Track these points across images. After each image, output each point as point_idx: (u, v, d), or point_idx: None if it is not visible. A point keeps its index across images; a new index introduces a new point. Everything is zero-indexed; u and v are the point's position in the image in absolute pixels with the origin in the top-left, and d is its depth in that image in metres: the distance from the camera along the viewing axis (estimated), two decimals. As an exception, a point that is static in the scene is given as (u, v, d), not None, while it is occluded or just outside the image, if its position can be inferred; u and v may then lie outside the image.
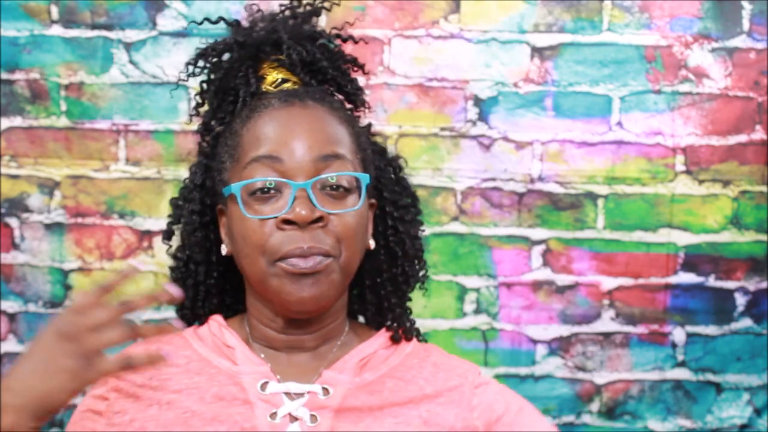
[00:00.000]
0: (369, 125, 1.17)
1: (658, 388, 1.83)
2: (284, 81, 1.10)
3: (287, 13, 1.14)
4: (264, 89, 1.10)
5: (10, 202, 1.84)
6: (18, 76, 1.82)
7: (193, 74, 1.15)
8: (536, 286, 1.82)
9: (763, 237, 1.80)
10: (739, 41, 1.77)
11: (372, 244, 1.09)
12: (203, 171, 1.12)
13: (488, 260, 1.81)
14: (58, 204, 1.83)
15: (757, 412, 1.83)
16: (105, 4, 1.80)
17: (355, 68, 1.17)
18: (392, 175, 1.16)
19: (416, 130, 1.78)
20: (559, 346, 1.83)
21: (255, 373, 1.03)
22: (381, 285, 1.13)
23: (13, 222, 1.85)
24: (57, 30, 1.81)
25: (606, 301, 1.82)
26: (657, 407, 1.83)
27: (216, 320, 1.10)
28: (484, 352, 1.82)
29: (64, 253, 1.84)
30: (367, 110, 1.17)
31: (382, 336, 1.11)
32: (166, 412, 1.01)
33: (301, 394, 1.01)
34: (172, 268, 1.17)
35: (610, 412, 1.83)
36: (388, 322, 1.12)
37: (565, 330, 1.82)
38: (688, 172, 1.79)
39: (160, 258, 1.83)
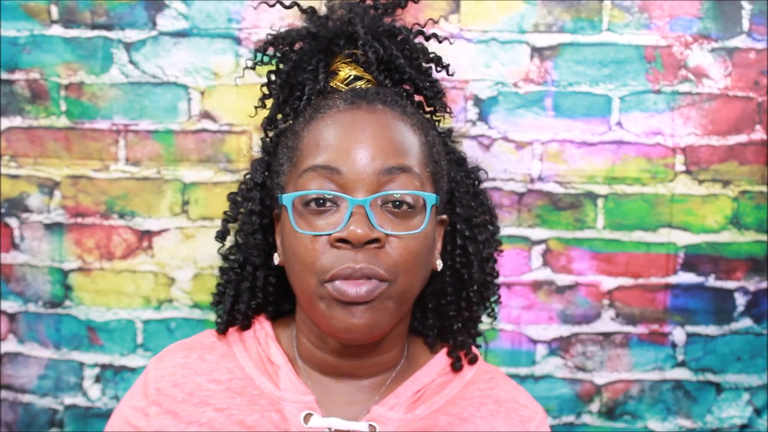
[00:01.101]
0: (449, 131, 1.07)
1: (658, 388, 1.83)
2: (357, 78, 1.02)
3: (367, 3, 1.04)
4: (334, 85, 1.01)
5: (10, 202, 1.84)
6: (18, 76, 1.82)
7: (261, 62, 1.05)
8: (536, 286, 1.82)
9: (763, 237, 1.80)
10: (739, 41, 1.77)
11: (439, 265, 1.00)
12: (265, 168, 1.04)
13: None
14: (57, 204, 1.84)
15: (757, 412, 1.83)
16: (105, 4, 1.80)
17: (438, 68, 1.08)
18: (469, 189, 1.06)
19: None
20: (559, 346, 1.83)
21: (299, 403, 0.95)
22: (444, 308, 1.04)
23: (12, 222, 1.85)
24: (57, 30, 1.81)
25: (606, 301, 1.82)
26: (657, 407, 1.83)
27: (264, 328, 1.02)
28: (484, 352, 1.81)
29: (64, 253, 1.84)
30: (448, 114, 1.07)
31: (441, 361, 1.03)
32: None
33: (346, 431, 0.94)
34: (224, 270, 1.07)
35: (610, 412, 1.83)
36: (450, 348, 1.03)
37: (565, 330, 1.82)
38: (687, 172, 1.79)
39: (159, 258, 1.83)
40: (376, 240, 0.90)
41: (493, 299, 1.09)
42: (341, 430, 0.94)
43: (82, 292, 1.85)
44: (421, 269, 0.95)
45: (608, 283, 1.81)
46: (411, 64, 1.04)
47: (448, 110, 1.07)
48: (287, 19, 1.77)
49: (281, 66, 1.04)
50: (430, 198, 0.93)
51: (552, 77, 1.78)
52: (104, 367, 1.85)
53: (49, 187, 1.84)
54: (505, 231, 1.81)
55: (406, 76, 1.03)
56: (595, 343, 1.83)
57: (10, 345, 1.87)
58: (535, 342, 1.83)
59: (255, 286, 1.04)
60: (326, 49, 1.01)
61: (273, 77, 1.05)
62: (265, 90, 1.06)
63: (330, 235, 0.90)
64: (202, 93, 1.80)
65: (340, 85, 1.01)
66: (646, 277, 1.81)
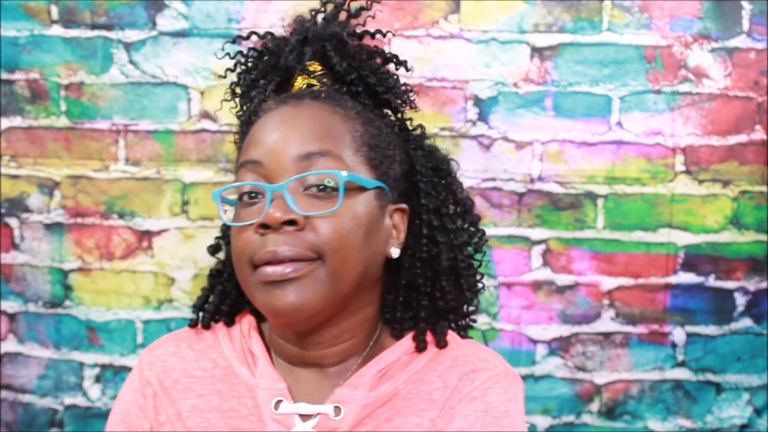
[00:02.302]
0: (420, 127, 1.09)
1: (658, 388, 1.83)
2: (310, 86, 1.05)
3: (315, 16, 1.09)
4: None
5: (10, 202, 1.84)
6: (18, 76, 1.82)
7: (232, 70, 1.11)
8: (536, 286, 1.82)
9: (763, 237, 1.79)
10: (739, 41, 1.77)
11: (394, 252, 1.00)
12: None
13: (488, 260, 1.81)
14: (57, 204, 1.83)
15: (757, 412, 1.83)
16: (105, 4, 1.80)
17: (397, 66, 1.10)
18: (438, 180, 1.06)
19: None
20: (559, 346, 1.83)
21: (270, 390, 0.99)
22: (416, 299, 1.04)
23: (13, 222, 1.85)
24: (57, 30, 1.81)
25: (606, 301, 1.82)
26: (657, 407, 1.83)
27: (249, 320, 1.07)
28: (484, 352, 1.82)
29: (64, 253, 1.84)
30: (410, 107, 1.08)
31: (407, 341, 1.03)
32: (186, 420, 0.99)
33: (312, 415, 0.97)
34: (211, 272, 1.12)
35: (610, 412, 1.83)
36: (416, 332, 1.03)
37: (565, 330, 1.82)
38: (687, 172, 1.79)
39: (159, 258, 1.83)
40: (293, 222, 0.92)
41: (474, 288, 1.08)
42: (309, 414, 0.98)
43: (82, 292, 1.85)
44: (355, 250, 0.95)
45: (608, 283, 1.81)
46: (356, 65, 1.06)
47: (412, 105, 1.09)
48: (287, 19, 1.77)
49: (240, 81, 1.10)
50: (339, 175, 0.93)
51: (552, 77, 1.78)
52: (104, 367, 1.85)
53: (49, 187, 1.84)
54: (505, 231, 1.81)
55: (352, 78, 1.05)
56: (595, 343, 1.83)
57: (10, 345, 1.87)
58: (535, 342, 1.83)
59: (227, 291, 1.09)
60: (280, 66, 1.06)
61: (238, 82, 1.11)
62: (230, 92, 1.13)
63: (254, 222, 0.94)
64: (202, 93, 1.80)
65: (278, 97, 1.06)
66: (646, 277, 1.81)
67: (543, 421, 1.83)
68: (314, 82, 1.05)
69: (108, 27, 1.80)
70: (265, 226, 0.92)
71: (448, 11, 1.78)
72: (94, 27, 1.80)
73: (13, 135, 1.83)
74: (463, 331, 1.11)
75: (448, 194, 1.07)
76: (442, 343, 1.03)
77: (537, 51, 1.78)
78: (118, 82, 1.81)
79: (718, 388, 1.83)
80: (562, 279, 1.81)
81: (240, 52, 1.11)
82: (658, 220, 1.80)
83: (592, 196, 1.80)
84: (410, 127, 1.10)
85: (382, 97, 1.07)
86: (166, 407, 1.01)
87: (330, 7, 1.10)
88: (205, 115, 1.80)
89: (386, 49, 1.11)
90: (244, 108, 1.10)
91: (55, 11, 1.81)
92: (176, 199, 1.82)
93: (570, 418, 1.83)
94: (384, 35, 1.11)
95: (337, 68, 1.04)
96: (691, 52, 1.77)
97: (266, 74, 1.07)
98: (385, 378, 1.00)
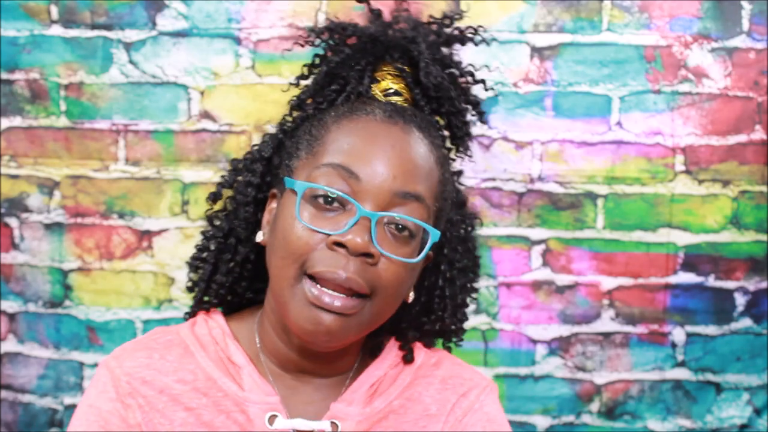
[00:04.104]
0: (459, 173, 1.08)
1: (658, 388, 1.83)
2: (396, 93, 1.01)
3: (432, 27, 1.05)
4: (372, 92, 1.01)
5: (10, 202, 1.84)
6: (18, 76, 1.82)
7: (312, 43, 1.04)
8: (536, 286, 1.82)
9: (763, 237, 1.79)
10: (739, 41, 1.77)
11: (411, 296, 1.00)
12: (276, 146, 1.02)
13: (488, 260, 1.81)
14: (57, 204, 1.83)
15: (757, 412, 1.83)
16: (105, 4, 1.79)
17: (474, 112, 1.09)
18: (461, 232, 1.06)
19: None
20: (559, 346, 1.83)
21: (262, 404, 0.96)
22: (403, 330, 1.05)
23: (12, 222, 1.85)
24: (57, 30, 1.81)
25: (606, 301, 1.82)
26: (657, 407, 1.83)
27: (218, 323, 1.01)
28: (483, 352, 1.82)
29: (64, 253, 1.84)
30: (466, 157, 1.08)
31: (391, 354, 1.04)
32: None
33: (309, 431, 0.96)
34: (207, 235, 1.05)
35: (610, 412, 1.83)
36: (401, 344, 1.05)
37: (565, 330, 1.82)
38: (687, 172, 1.79)
39: (159, 258, 1.83)
40: (371, 255, 0.89)
41: (454, 339, 1.10)
42: (304, 430, 0.96)
43: (82, 292, 1.85)
44: (398, 298, 0.95)
45: (608, 283, 1.81)
46: (453, 99, 1.04)
47: (468, 154, 1.09)
48: (287, 19, 1.77)
49: (329, 55, 1.03)
50: (435, 234, 0.93)
51: (552, 77, 1.78)
52: (104, 367, 1.85)
53: (49, 187, 1.84)
54: (504, 231, 1.81)
55: (444, 110, 1.04)
56: (595, 343, 1.83)
57: (10, 345, 1.87)
58: (535, 342, 1.83)
59: (234, 260, 1.03)
60: (378, 55, 1.01)
61: (318, 62, 1.04)
62: (305, 71, 1.05)
63: (329, 235, 0.89)
64: (202, 93, 1.80)
65: (378, 93, 1.01)
66: (646, 277, 1.81)
67: (543, 421, 1.83)
68: (404, 90, 1.01)
69: (108, 27, 1.80)
70: (341, 246, 0.89)
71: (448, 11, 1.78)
72: (94, 27, 1.80)
73: (13, 135, 1.83)
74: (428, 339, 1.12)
75: (464, 249, 1.06)
76: (409, 357, 1.05)
77: (537, 51, 1.78)
78: (118, 82, 1.81)
79: (718, 388, 1.83)
80: (562, 279, 1.81)
81: (338, 24, 1.03)
82: (658, 220, 1.80)
83: (592, 196, 1.80)
84: (455, 173, 1.08)
85: (455, 140, 1.06)
86: (159, 419, 0.96)
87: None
88: (205, 114, 1.80)
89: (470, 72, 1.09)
90: (328, 83, 1.02)
91: (55, 11, 1.81)
92: (176, 199, 1.82)
93: (570, 418, 1.83)
94: (487, 88, 1.10)
95: (445, 94, 1.02)
96: (691, 52, 1.77)
97: (362, 57, 1.01)
98: (376, 394, 1.00)
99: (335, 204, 0.91)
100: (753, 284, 1.81)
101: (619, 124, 1.79)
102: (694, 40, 1.77)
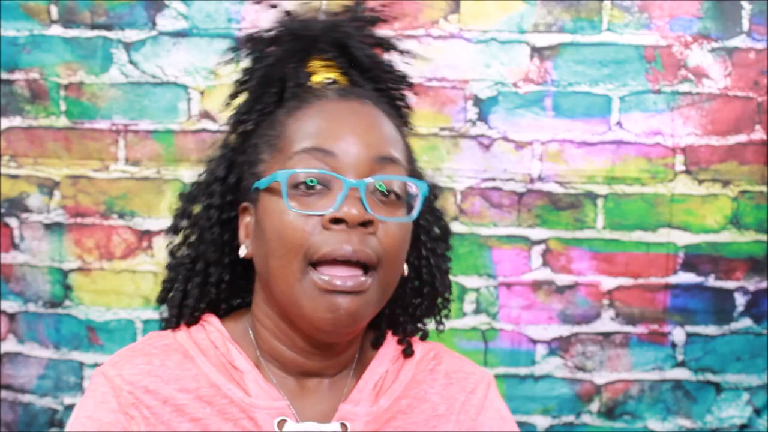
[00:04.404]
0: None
1: (658, 388, 1.83)
2: (334, 82, 1.00)
3: (350, 14, 1.03)
4: (311, 83, 1.00)
5: (10, 202, 1.84)
6: (18, 76, 1.82)
7: (236, 60, 1.03)
8: (536, 286, 1.82)
9: (763, 237, 1.79)
10: (739, 41, 1.77)
11: (406, 270, 0.99)
12: (227, 165, 1.01)
13: (488, 260, 1.81)
14: (57, 204, 1.83)
15: (757, 412, 1.83)
16: (105, 4, 1.79)
17: (404, 84, 1.06)
18: (429, 201, 1.04)
19: (416, 130, 1.78)
20: (559, 346, 1.83)
21: (271, 409, 0.94)
22: (401, 313, 1.04)
23: (12, 222, 1.85)
24: (57, 30, 1.81)
25: (606, 301, 1.82)
26: (657, 407, 1.83)
27: (215, 327, 0.99)
28: (483, 352, 1.82)
29: (64, 253, 1.84)
30: (410, 129, 1.06)
31: (390, 348, 1.03)
32: None
33: None
34: (171, 266, 1.04)
35: (609, 412, 1.83)
36: (400, 337, 1.04)
37: (565, 330, 1.82)
38: (687, 172, 1.79)
39: (159, 258, 1.83)
40: (369, 222, 0.89)
41: (444, 312, 1.09)
42: None
43: (82, 292, 1.85)
44: (400, 265, 0.95)
45: (608, 283, 1.81)
46: (388, 75, 1.04)
47: (410, 127, 1.06)
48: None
49: (257, 65, 1.02)
50: (423, 186, 0.94)
51: (552, 77, 1.78)
52: (104, 367, 1.85)
53: (48, 187, 1.84)
54: (504, 231, 1.81)
55: (384, 86, 1.03)
56: (594, 343, 1.83)
57: (10, 345, 1.87)
58: (534, 342, 1.83)
59: (207, 282, 1.01)
60: (306, 50, 1.01)
61: (247, 75, 1.03)
62: (237, 87, 1.04)
63: (324, 215, 0.89)
64: (202, 93, 1.80)
65: (316, 84, 1.00)
66: (646, 277, 1.81)
67: (543, 421, 1.83)
68: (341, 78, 1.00)
69: (108, 27, 1.80)
70: (338, 222, 0.88)
71: (448, 11, 1.78)
72: (94, 27, 1.80)
73: (13, 135, 1.83)
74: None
75: (434, 219, 1.06)
76: (409, 351, 1.05)
77: (537, 51, 1.78)
78: (117, 82, 1.81)
79: (718, 388, 1.83)
80: (562, 279, 1.81)
81: (257, 32, 1.03)
82: (657, 220, 1.80)
83: (592, 196, 1.80)
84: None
85: (398, 112, 1.04)
86: (169, 429, 0.93)
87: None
88: (205, 114, 1.80)
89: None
90: (265, 89, 1.01)
91: (54, 11, 1.81)
92: (176, 199, 1.82)
93: (570, 418, 1.83)
94: (415, 57, 1.08)
95: (377, 72, 1.02)
96: (691, 52, 1.77)
97: (292, 56, 1.01)
98: (381, 392, 0.99)
99: (318, 187, 0.90)
100: (753, 284, 1.81)
101: (619, 124, 1.79)
102: (694, 40, 1.77)
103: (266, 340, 0.97)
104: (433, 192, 1.07)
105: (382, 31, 1.06)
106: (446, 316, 1.09)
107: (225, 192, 1.01)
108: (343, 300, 0.89)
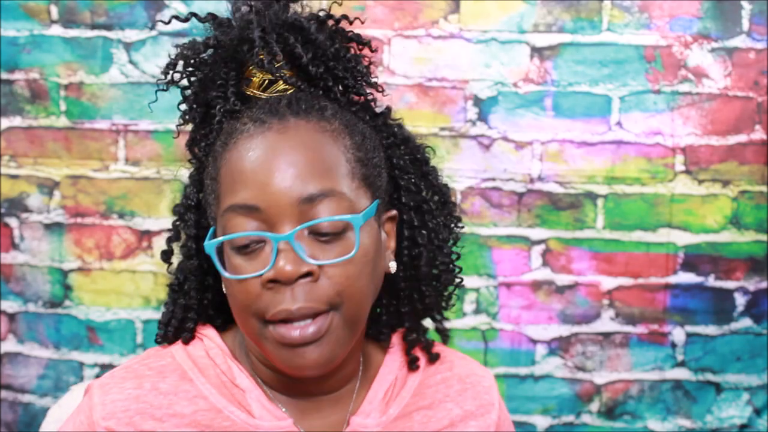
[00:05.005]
0: (388, 109, 0.99)
1: (658, 388, 1.83)
2: (273, 82, 0.93)
3: (264, 3, 0.94)
4: (250, 92, 0.94)
5: (10, 202, 1.84)
6: (18, 76, 1.82)
7: (173, 81, 0.98)
8: (536, 286, 1.82)
9: (763, 237, 1.79)
10: (739, 41, 1.77)
11: (393, 267, 0.94)
12: (197, 187, 0.97)
13: (488, 260, 1.81)
14: (57, 204, 1.83)
15: (757, 412, 1.83)
16: (105, 4, 1.79)
17: (360, 46, 0.97)
18: (416, 171, 0.99)
19: (416, 130, 1.75)
20: (559, 346, 1.83)
21: (277, 430, 0.90)
22: (397, 306, 0.99)
23: (12, 222, 1.85)
24: (57, 30, 1.81)
25: (606, 301, 1.82)
26: (657, 407, 1.83)
27: (215, 343, 0.95)
28: (483, 352, 1.82)
29: (64, 253, 1.84)
30: (380, 93, 0.98)
31: (397, 354, 1.00)
32: None
33: None
34: (168, 285, 1.02)
35: (609, 412, 1.83)
36: (406, 346, 1.00)
37: (565, 330, 1.82)
38: (687, 172, 1.79)
39: (159, 258, 1.82)
40: (308, 274, 0.84)
41: (450, 288, 1.02)
42: None
43: (82, 292, 1.85)
44: (366, 287, 0.88)
45: (608, 283, 1.81)
46: (321, 55, 0.93)
47: (380, 89, 0.97)
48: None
49: (191, 80, 0.96)
50: (356, 220, 0.85)
51: (552, 77, 1.78)
52: (104, 367, 1.85)
53: (48, 187, 1.84)
54: (504, 231, 1.81)
55: (314, 71, 0.93)
56: (594, 343, 1.83)
57: (10, 345, 1.87)
58: (534, 342, 1.83)
59: (190, 306, 0.98)
60: (233, 57, 0.93)
61: (187, 94, 0.97)
62: (183, 107, 0.99)
63: (260, 276, 0.84)
64: (202, 93, 1.80)
65: (257, 92, 0.94)
66: (646, 277, 1.81)
67: (543, 421, 1.83)
68: (274, 79, 0.93)
69: (108, 27, 1.80)
70: (275, 281, 0.83)
71: (448, 11, 1.78)
72: (94, 27, 1.80)
73: (13, 135, 1.83)
74: (440, 328, 1.07)
75: (428, 186, 0.99)
76: (433, 357, 1.01)
77: (537, 51, 1.78)
78: (117, 82, 1.81)
79: (718, 388, 1.83)
80: (562, 279, 1.81)
81: (184, 44, 0.96)
82: (657, 220, 1.80)
83: (592, 196, 1.80)
84: (377, 110, 0.99)
85: (352, 88, 0.96)
86: None
87: None
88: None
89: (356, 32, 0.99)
90: (205, 113, 0.96)
91: (55, 11, 1.81)
92: (176, 199, 1.82)
93: (570, 418, 1.83)
94: (351, 22, 0.98)
95: (303, 61, 0.92)
96: (690, 52, 1.77)
97: (219, 71, 0.94)
98: (390, 401, 0.96)
99: (254, 244, 0.85)
100: (753, 284, 1.81)
101: (619, 124, 1.79)
102: (694, 40, 1.77)
103: (259, 368, 0.94)
104: (424, 157, 1.00)
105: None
106: (459, 285, 1.02)
107: (199, 218, 0.97)
108: (307, 351, 0.85)
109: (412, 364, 0.99)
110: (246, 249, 0.86)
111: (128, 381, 0.91)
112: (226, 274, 0.86)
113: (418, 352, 1.01)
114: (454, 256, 1.02)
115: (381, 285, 0.94)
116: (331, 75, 0.94)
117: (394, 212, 0.96)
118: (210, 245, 0.87)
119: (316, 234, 0.85)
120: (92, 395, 0.91)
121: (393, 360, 0.99)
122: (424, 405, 0.98)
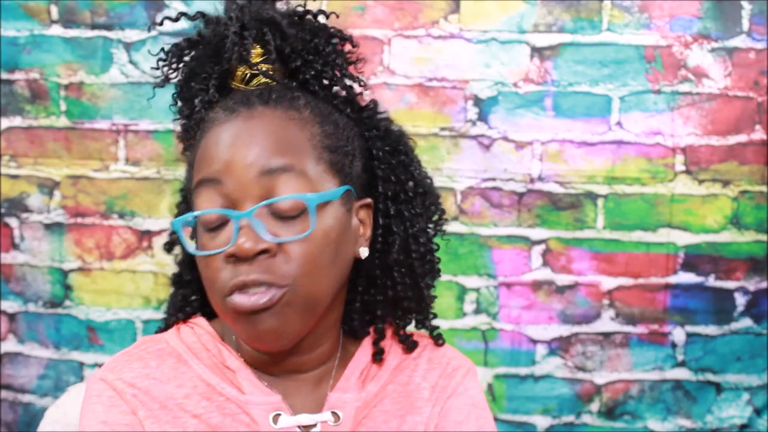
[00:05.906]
0: (374, 103, 1.02)
1: (658, 388, 1.83)
2: (254, 75, 0.97)
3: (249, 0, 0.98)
4: (235, 86, 0.98)
5: (10, 202, 1.84)
6: (18, 76, 1.82)
7: (167, 79, 1.03)
8: (536, 286, 1.82)
9: (763, 237, 1.79)
10: (739, 41, 1.77)
11: (363, 252, 0.97)
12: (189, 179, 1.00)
13: (488, 260, 1.81)
14: (57, 204, 1.84)
15: (757, 412, 1.83)
16: (105, 4, 1.80)
17: (342, 42, 1.01)
18: (395, 162, 1.01)
19: (416, 130, 1.78)
20: (559, 346, 1.83)
21: (265, 404, 0.95)
22: (373, 295, 1.02)
23: (12, 222, 1.85)
24: (57, 30, 1.81)
25: (606, 301, 1.82)
26: (657, 407, 1.83)
27: (205, 329, 1.00)
28: (483, 352, 1.82)
29: (64, 253, 1.84)
30: (362, 87, 1.01)
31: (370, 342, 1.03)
32: None
33: (313, 425, 0.95)
34: (175, 278, 1.10)
35: (610, 412, 1.83)
36: (375, 338, 1.03)
37: (565, 330, 1.82)
38: (687, 172, 1.79)
39: (159, 258, 1.83)
40: (265, 251, 0.88)
41: (431, 275, 1.04)
42: (307, 425, 0.96)
43: (82, 292, 1.85)
44: (325, 269, 0.92)
45: (608, 283, 1.81)
46: (301, 49, 0.97)
47: (362, 85, 1.01)
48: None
49: (179, 77, 1.02)
50: (312, 200, 0.89)
51: (552, 77, 1.78)
52: (104, 367, 1.85)
53: (49, 187, 1.84)
54: (505, 231, 1.81)
55: (298, 63, 0.97)
56: (595, 343, 1.83)
57: (10, 345, 1.87)
58: (535, 342, 1.83)
59: (188, 296, 1.05)
60: (216, 52, 0.98)
61: (178, 89, 1.02)
62: (175, 103, 1.05)
63: (222, 252, 0.89)
64: (202, 93, 1.80)
65: (240, 85, 0.98)
66: (646, 277, 1.81)
67: (543, 421, 1.83)
68: (256, 72, 0.97)
69: (108, 27, 1.80)
70: (235, 256, 0.88)
71: (448, 11, 1.78)
72: (94, 27, 1.80)
73: (13, 135, 1.83)
74: (426, 327, 1.08)
75: (406, 177, 1.02)
76: (410, 346, 1.03)
77: (537, 51, 1.78)
78: (118, 82, 1.81)
79: (718, 388, 1.83)
80: (562, 279, 1.81)
81: (174, 44, 1.01)
82: (658, 220, 1.80)
83: (592, 196, 1.80)
84: (362, 104, 1.02)
85: (333, 82, 1.00)
86: (176, 429, 0.93)
87: None
88: (205, 115, 1.80)
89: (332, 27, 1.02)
90: (186, 109, 1.02)
91: (55, 11, 1.81)
92: (176, 199, 1.82)
93: (570, 418, 1.83)
94: (327, 16, 1.01)
95: (273, 56, 0.96)
96: (691, 52, 1.77)
97: (204, 66, 0.99)
98: (368, 378, 1.01)
99: (220, 222, 0.90)
100: (753, 284, 1.81)
101: (619, 124, 1.79)
102: (694, 40, 1.77)
103: (245, 350, 0.98)
104: (405, 148, 1.02)
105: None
106: (436, 276, 1.05)
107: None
108: (260, 319, 0.89)
109: (377, 356, 1.02)
110: (213, 226, 0.91)
111: (135, 362, 0.98)
112: (190, 250, 0.93)
113: (393, 343, 1.04)
114: (435, 248, 1.05)
115: (348, 270, 0.97)
116: (310, 68, 0.98)
117: (369, 200, 0.99)
118: (176, 222, 0.93)
119: (277, 213, 0.89)
120: (105, 378, 0.96)
121: (368, 344, 1.03)
122: (398, 380, 1.02)
